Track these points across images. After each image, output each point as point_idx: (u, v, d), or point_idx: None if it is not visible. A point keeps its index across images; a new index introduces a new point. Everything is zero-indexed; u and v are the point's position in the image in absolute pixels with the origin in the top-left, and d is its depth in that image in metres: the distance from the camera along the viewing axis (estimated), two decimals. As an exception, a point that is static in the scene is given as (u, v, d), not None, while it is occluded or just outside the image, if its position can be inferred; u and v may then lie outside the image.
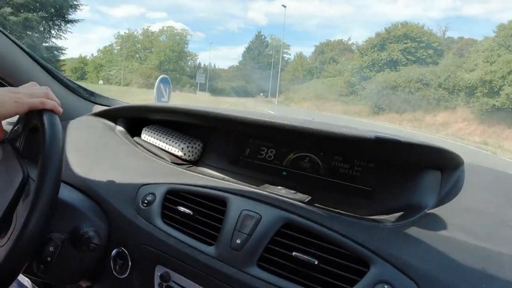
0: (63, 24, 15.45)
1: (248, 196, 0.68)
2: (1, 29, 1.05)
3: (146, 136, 1.00)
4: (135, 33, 40.78)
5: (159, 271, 0.69)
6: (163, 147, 0.94)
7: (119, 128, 1.11)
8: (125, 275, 0.72)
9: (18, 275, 0.60)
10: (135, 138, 1.03)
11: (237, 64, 49.00)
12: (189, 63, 40.41)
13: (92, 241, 0.68)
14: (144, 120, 1.08)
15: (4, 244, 0.58)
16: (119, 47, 40.11)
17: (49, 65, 1.19)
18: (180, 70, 37.75)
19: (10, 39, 1.06)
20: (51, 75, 1.18)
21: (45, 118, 0.64)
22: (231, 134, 0.92)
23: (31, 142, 0.73)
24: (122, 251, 0.73)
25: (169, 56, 36.85)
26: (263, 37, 46.86)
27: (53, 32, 15.28)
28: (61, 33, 15.46)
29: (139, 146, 0.99)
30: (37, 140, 0.75)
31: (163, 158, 0.92)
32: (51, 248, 0.66)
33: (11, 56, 1.07)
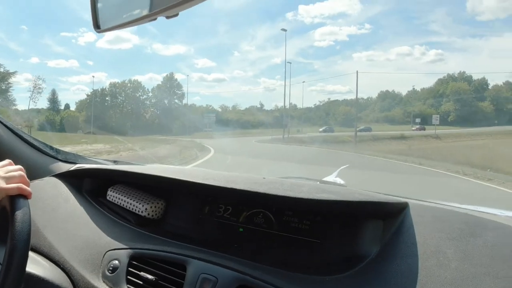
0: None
1: (206, 259, 0.75)
2: None
3: (111, 196, 1.04)
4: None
5: None
6: (127, 208, 0.99)
7: (85, 188, 1.14)
8: None
9: None
10: (101, 199, 1.07)
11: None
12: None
13: None
14: (110, 178, 1.11)
15: None
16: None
17: (10, 123, 1.16)
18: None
19: None
20: (14, 133, 1.14)
21: (17, 204, 0.65)
22: (191, 194, 0.98)
23: None
24: None
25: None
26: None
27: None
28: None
29: (104, 207, 1.02)
30: (4, 220, 0.75)
31: (127, 219, 0.96)
32: None
33: None
